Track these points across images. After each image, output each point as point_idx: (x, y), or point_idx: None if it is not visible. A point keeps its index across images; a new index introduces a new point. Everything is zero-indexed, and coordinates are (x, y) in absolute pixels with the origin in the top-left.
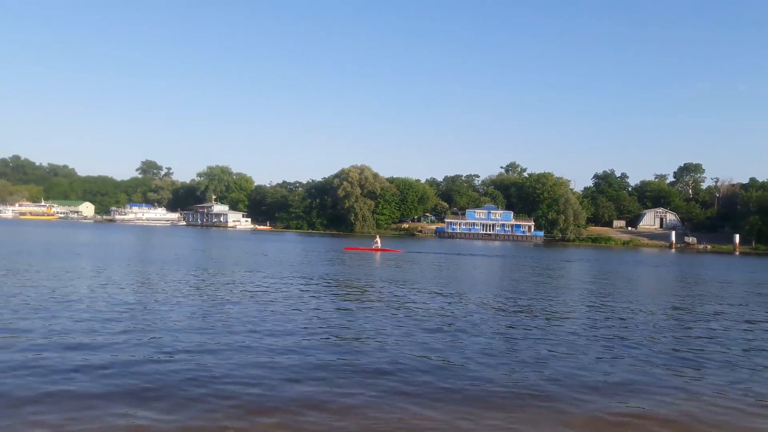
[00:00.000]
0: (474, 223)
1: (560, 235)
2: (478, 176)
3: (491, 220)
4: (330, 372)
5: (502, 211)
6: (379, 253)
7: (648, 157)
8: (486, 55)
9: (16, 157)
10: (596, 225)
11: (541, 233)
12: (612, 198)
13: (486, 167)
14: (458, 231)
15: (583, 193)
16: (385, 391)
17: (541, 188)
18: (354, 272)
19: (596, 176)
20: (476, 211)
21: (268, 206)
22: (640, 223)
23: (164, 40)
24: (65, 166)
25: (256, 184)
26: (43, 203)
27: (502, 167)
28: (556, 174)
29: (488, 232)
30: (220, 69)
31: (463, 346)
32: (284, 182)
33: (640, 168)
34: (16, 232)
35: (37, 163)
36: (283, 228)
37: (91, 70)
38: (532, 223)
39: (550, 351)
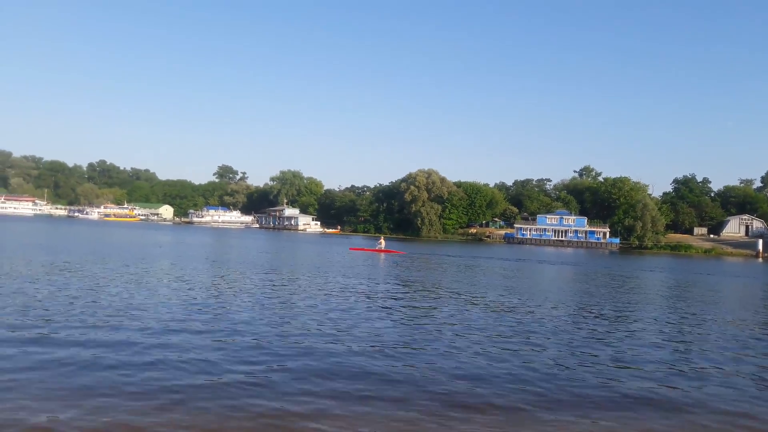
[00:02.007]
0: (545, 229)
1: (637, 242)
2: (549, 180)
3: (563, 225)
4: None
5: (575, 217)
6: (383, 254)
7: (733, 161)
8: (558, 55)
9: (102, 162)
10: (675, 232)
11: (617, 240)
12: (693, 204)
13: (558, 171)
14: (528, 237)
15: (662, 199)
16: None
17: (617, 193)
18: (421, 279)
19: (676, 181)
20: (548, 216)
21: (336, 210)
22: (724, 231)
23: (239, 51)
24: (147, 171)
25: (325, 188)
26: (125, 205)
27: (575, 171)
28: (633, 178)
29: (560, 238)
30: (293, 78)
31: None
32: (353, 186)
33: (723, 172)
34: (116, 234)
35: (121, 168)
36: (350, 231)
37: (173, 80)
38: (607, 230)
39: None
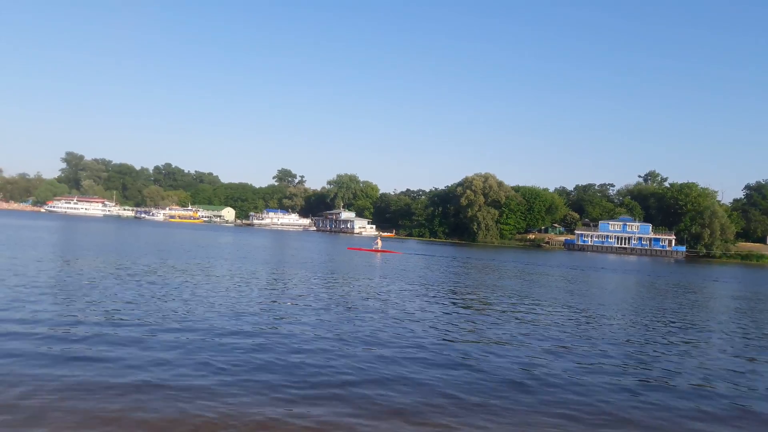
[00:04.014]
0: (607, 236)
1: (705, 250)
2: (612, 186)
3: (627, 232)
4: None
5: (639, 224)
6: (379, 254)
7: None
8: (622, 55)
9: (167, 165)
10: (747, 241)
11: (683, 248)
12: (767, 211)
13: (622, 176)
14: (589, 243)
15: (732, 206)
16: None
17: (683, 199)
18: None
19: (748, 187)
20: (610, 222)
21: (392, 214)
22: None
23: (299, 62)
24: (210, 174)
25: (381, 191)
26: (189, 207)
27: (639, 176)
28: (701, 184)
29: (623, 245)
30: (350, 84)
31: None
32: (408, 190)
33: None
34: (200, 236)
35: (186, 171)
36: (405, 235)
37: (236, 88)
38: (672, 237)
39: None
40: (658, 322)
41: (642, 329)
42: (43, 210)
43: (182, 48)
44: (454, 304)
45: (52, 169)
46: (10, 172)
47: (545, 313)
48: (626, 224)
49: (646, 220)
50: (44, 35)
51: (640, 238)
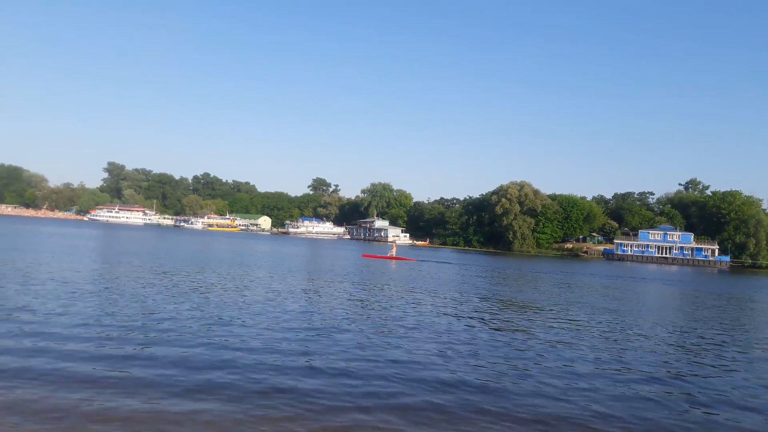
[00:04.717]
0: (648, 245)
1: (750, 261)
2: (652, 194)
3: (668, 242)
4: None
5: (680, 233)
6: (394, 261)
7: None
8: (663, 60)
9: (206, 175)
10: None
11: (727, 258)
12: None
13: (662, 184)
14: (629, 253)
15: None
16: None
17: (726, 208)
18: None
19: None
20: (650, 232)
21: (425, 222)
22: None
23: (333, 73)
24: (247, 183)
25: (414, 200)
26: (227, 216)
27: (680, 184)
28: (745, 192)
29: (664, 255)
30: (383, 94)
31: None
32: (442, 199)
33: None
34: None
35: (224, 180)
36: (439, 244)
37: (272, 100)
38: (716, 247)
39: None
40: (708, 340)
41: (694, 347)
42: (86, 218)
43: (220, 61)
44: (489, 321)
45: (94, 178)
46: (55, 181)
47: (593, 330)
48: (667, 233)
49: (687, 229)
50: (86, 49)
51: (681, 248)
